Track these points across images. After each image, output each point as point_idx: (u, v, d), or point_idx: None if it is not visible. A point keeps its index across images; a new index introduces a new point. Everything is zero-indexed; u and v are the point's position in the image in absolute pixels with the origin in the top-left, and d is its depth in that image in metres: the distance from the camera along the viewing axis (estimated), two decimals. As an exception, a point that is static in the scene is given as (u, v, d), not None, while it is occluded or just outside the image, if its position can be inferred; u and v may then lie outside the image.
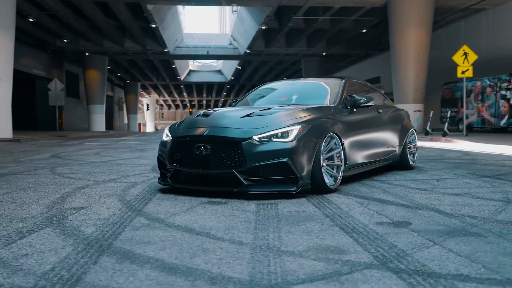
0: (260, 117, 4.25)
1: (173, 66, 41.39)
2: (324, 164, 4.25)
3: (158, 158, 4.54)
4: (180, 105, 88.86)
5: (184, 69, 48.22)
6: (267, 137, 3.92)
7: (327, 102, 4.96)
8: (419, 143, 13.43)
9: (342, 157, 4.45)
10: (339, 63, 40.10)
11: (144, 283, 1.88)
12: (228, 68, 47.66)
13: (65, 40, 29.13)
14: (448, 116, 17.54)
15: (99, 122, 34.97)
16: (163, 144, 4.44)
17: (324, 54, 34.67)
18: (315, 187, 4.08)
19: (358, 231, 2.75)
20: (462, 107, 20.47)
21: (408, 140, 6.31)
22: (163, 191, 4.38)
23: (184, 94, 68.26)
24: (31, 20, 24.10)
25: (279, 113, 4.32)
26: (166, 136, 4.43)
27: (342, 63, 40.16)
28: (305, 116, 4.27)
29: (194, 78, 51.77)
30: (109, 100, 46.16)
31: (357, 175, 5.38)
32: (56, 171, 6.28)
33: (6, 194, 4.26)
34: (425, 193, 4.24)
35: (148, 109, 68.10)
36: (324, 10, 24.10)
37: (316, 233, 2.71)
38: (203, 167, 4.01)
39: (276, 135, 3.94)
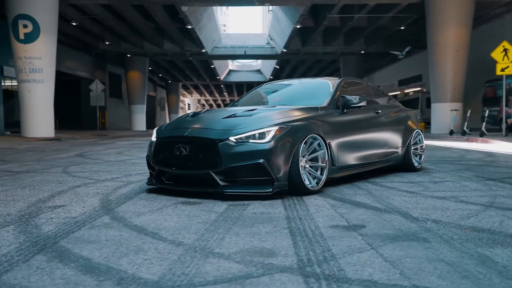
0: (241, 118, 4.29)
1: (212, 66, 41.95)
2: (307, 166, 4.24)
3: (146, 159, 4.66)
4: (222, 104, 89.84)
5: (223, 69, 48.74)
6: (243, 138, 3.95)
7: (317, 103, 4.90)
8: (449, 144, 13.00)
9: (327, 158, 4.41)
10: (379, 61, 39.30)
11: (54, 281, 1.96)
12: (267, 67, 47.75)
13: (107, 43, 30.16)
14: (486, 115, 16.85)
15: (140, 122, 35.97)
16: (150, 144, 4.55)
17: (362, 52, 34.08)
18: (294, 189, 4.07)
19: (305, 234, 2.74)
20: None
21: (413, 141, 6.15)
22: (149, 191, 4.49)
23: (225, 93, 68.95)
24: (74, 24, 25.12)
25: (260, 114, 4.34)
26: (154, 137, 4.54)
27: (382, 61, 39.32)
28: (286, 117, 4.26)
29: (234, 78, 52.23)
30: (151, 100, 47.38)
31: (353, 176, 5.32)
32: (67, 169, 6.56)
33: (3, 192, 4.50)
34: (409, 196, 4.14)
35: (189, 109, 69.32)
36: (360, 7, 23.71)
37: (262, 235, 2.72)
38: (183, 167, 4.09)
39: (253, 136, 3.96)
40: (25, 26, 18.45)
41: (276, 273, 2.05)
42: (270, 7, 31.17)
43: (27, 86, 18.76)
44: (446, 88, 20.35)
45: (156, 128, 4.71)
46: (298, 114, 4.41)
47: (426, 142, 7.15)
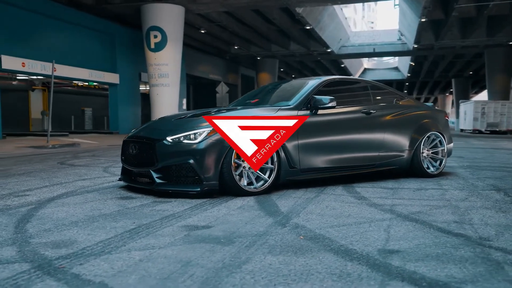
0: (188, 119, 4.48)
1: (342, 66, 41.35)
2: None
3: (122, 157, 5.12)
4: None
5: (357, 67, 47.61)
6: (180, 138, 4.14)
7: (292, 103, 4.79)
8: None
9: (276, 160, 4.34)
10: (535, 52, 34.29)
11: None
12: (403, 64, 45.28)
13: (236, 47, 31.99)
14: None
15: (269, 122, 37.22)
16: (126, 144, 5.00)
17: (510, 43, 30.24)
18: (228, 189, 4.13)
19: (138, 232, 2.87)
20: None
21: (429, 145, 5.59)
22: (122, 186, 4.93)
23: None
24: (203, 31, 27.23)
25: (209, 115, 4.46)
26: (128, 136, 4.98)
27: (540, 52, 34.21)
28: (229, 119, 4.31)
29: (370, 76, 50.52)
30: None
31: (343, 178, 5.12)
32: (112, 166, 7.37)
33: (18, 181, 5.35)
34: (346, 202, 3.91)
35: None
36: (494, -7, 21.19)
37: (101, 230, 2.93)
38: (135, 165, 4.45)
39: (188, 137, 4.13)
40: (155, 37, 20.61)
41: (23, 262, 2.28)
42: (396, 1, 29.60)
43: (156, 89, 20.97)
44: None
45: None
46: (247, 115, 4.41)
47: None
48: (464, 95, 46.30)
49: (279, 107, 4.66)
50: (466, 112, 33.56)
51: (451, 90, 50.84)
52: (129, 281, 1.98)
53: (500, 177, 5.53)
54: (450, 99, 61.81)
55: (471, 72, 44.33)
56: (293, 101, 4.79)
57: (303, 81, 5.37)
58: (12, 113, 22.88)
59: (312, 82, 5.11)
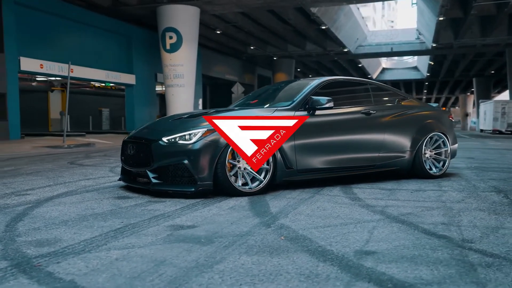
0: (185, 119, 4.53)
1: (359, 66, 41.00)
2: (247, 167, 4.25)
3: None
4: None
5: (375, 67, 47.11)
6: (175, 138, 4.18)
7: (286, 104, 4.79)
8: None
9: (271, 160, 4.34)
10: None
11: None
12: (423, 64, 44.64)
13: (252, 47, 32.02)
14: None
15: (285, 122, 37.14)
16: (127, 144, 5.06)
17: (532, 41, 29.55)
18: (223, 189, 4.15)
19: (122, 231, 2.91)
20: None
21: (432, 145, 5.52)
22: (122, 186, 5.00)
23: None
24: (218, 32, 27.34)
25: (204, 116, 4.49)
26: (129, 137, 5.04)
27: None
28: (224, 120, 4.33)
29: (388, 76, 49.97)
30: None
31: (344, 179, 5.10)
32: (116, 167, 7.47)
33: (22, 181, 5.49)
34: (337, 203, 3.89)
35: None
36: (513, -9, 20.73)
37: (88, 229, 2.99)
38: (133, 165, 4.51)
39: (184, 137, 4.16)
40: (171, 38, 20.77)
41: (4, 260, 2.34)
42: (414, 0, 29.22)
43: (171, 90, 21.14)
44: None
45: (135, 129, 5.21)
46: (246, 115, 4.43)
47: None
48: (485, 94, 45.42)
49: (276, 108, 4.67)
50: (486, 112, 32.95)
51: (473, 89, 49.93)
52: (99, 280, 2.02)
53: (505, 178, 5.42)
54: (471, 99, 60.62)
55: (492, 71, 43.50)
56: (291, 102, 4.79)
57: (305, 81, 5.36)
58: (32, 113, 23.38)
59: (312, 83, 5.09)
